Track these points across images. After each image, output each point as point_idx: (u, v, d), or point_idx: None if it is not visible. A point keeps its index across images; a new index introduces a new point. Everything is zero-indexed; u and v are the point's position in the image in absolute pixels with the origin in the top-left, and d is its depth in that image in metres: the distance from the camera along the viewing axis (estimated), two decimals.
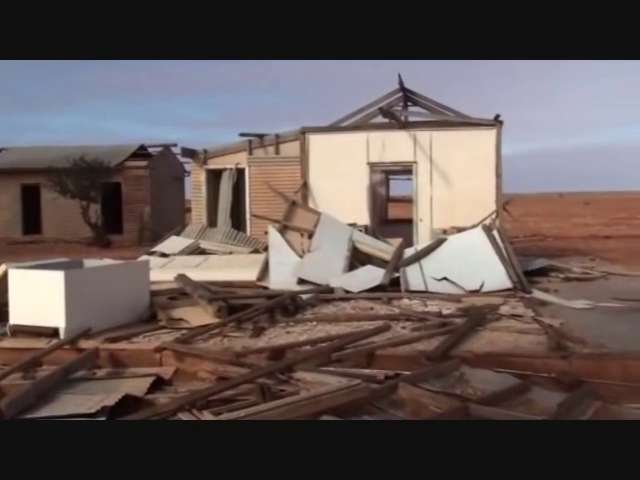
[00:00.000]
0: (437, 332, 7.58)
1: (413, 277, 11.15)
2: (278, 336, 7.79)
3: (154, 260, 13.14)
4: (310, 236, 12.43)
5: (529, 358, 6.60)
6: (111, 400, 5.47)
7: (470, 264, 11.36)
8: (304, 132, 14.85)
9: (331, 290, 10.60)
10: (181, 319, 8.50)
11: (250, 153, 15.73)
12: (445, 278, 11.01)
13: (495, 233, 12.25)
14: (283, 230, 12.71)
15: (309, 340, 7.45)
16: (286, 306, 9.10)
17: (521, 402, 5.50)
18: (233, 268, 12.67)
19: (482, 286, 10.70)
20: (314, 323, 8.45)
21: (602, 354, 6.62)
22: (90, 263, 9.30)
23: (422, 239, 14.07)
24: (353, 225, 13.55)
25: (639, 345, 6.89)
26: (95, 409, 5.29)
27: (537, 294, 10.46)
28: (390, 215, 21.75)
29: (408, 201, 15.73)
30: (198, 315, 8.62)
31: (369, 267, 11.90)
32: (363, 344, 7.12)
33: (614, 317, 8.65)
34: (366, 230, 14.07)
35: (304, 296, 9.90)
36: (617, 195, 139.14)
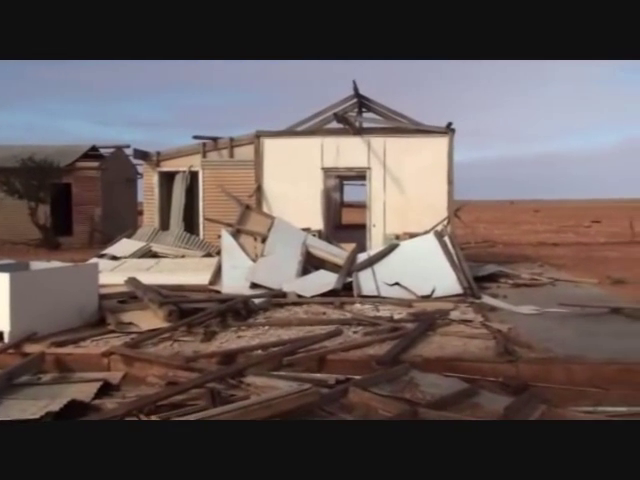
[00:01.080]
0: (388, 337, 7.65)
1: (366, 282, 11.21)
2: (229, 340, 7.74)
3: (104, 263, 12.92)
4: (264, 240, 12.39)
5: (477, 362, 6.71)
6: (56, 405, 5.36)
7: (422, 269, 11.49)
8: (259, 136, 14.83)
9: (284, 294, 10.59)
10: (131, 323, 8.38)
11: (204, 156, 15.60)
12: (397, 283, 11.11)
13: (446, 239, 12.42)
14: (236, 234, 12.64)
15: (261, 344, 7.43)
16: (238, 310, 9.05)
17: (469, 406, 5.58)
18: (185, 272, 12.54)
19: (433, 291, 10.83)
20: (266, 327, 8.43)
21: (548, 358, 6.77)
22: (37, 265, 9.11)
23: (375, 244, 14.19)
24: (307, 230, 13.58)
25: (583, 350, 7.08)
26: (39, 414, 5.17)
27: (487, 299, 10.64)
28: (344, 220, 21.86)
29: (362, 206, 15.84)
30: (148, 319, 8.52)
31: (322, 272, 11.92)
32: (315, 348, 7.14)
33: (560, 322, 8.85)
34: (320, 235, 14.12)
35: (256, 300, 9.87)
36: (566, 203, 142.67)
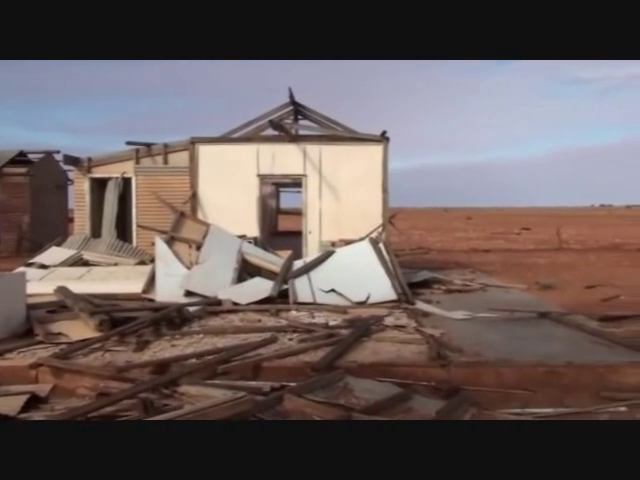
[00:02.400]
0: (323, 343, 7.68)
1: (301, 289, 11.24)
2: (163, 349, 7.63)
3: (33, 272, 12.53)
4: (198, 248, 12.26)
5: (411, 367, 6.82)
6: None
7: (357, 276, 11.60)
8: (193, 142, 14.70)
9: (219, 302, 10.50)
10: (60, 333, 8.15)
11: (137, 162, 15.33)
12: (333, 290, 11.17)
13: (381, 246, 12.57)
14: (171, 241, 12.46)
15: (195, 353, 7.34)
16: (172, 319, 8.93)
17: (402, 410, 5.65)
18: (118, 280, 12.28)
19: (368, 298, 10.94)
20: (201, 336, 8.34)
21: (478, 362, 6.93)
22: None
23: (311, 251, 14.25)
24: (242, 237, 13.51)
25: (512, 353, 7.28)
26: None
27: (420, 305, 10.82)
28: (280, 227, 21.85)
29: (298, 213, 15.87)
30: (78, 329, 8.30)
31: (258, 279, 11.89)
32: (250, 356, 7.11)
33: (490, 327, 9.08)
34: (255, 242, 14.07)
35: (191, 308, 9.76)
36: (497, 211, 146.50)
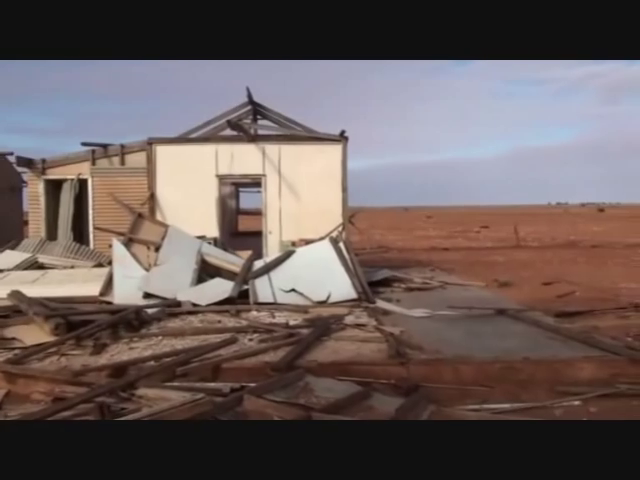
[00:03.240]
0: (283, 343, 7.66)
1: (262, 289, 11.20)
2: (121, 352, 7.52)
3: None
4: (157, 249, 12.11)
5: (370, 366, 6.84)
6: None
7: (317, 276, 11.60)
8: (151, 143, 14.52)
9: (178, 304, 10.40)
10: (14, 338, 7.97)
11: (93, 163, 15.07)
12: (293, 290, 11.16)
13: (342, 245, 12.59)
14: (128, 243, 12.29)
15: (153, 355, 7.25)
16: (130, 321, 8.81)
17: (362, 408, 5.67)
18: (74, 283, 12.05)
19: (329, 297, 10.96)
20: (159, 338, 8.24)
21: (437, 359, 7.00)
22: None
23: (271, 251, 14.20)
24: (202, 238, 13.40)
25: (470, 350, 7.37)
26: None
27: (380, 304, 10.88)
28: (241, 227, 21.74)
29: (258, 213, 15.80)
30: (33, 333, 8.12)
31: (218, 280, 11.80)
32: (209, 357, 7.05)
33: (449, 324, 9.18)
34: (215, 243, 13.97)
35: (150, 310, 9.64)
36: (457, 209, 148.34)
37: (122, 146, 15.10)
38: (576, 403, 6.14)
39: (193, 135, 15.28)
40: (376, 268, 15.80)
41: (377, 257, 21.57)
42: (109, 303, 10.66)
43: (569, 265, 20.12)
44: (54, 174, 15.28)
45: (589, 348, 7.46)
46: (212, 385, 6.29)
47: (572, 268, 19.05)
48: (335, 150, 14.50)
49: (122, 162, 15.03)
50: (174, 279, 11.29)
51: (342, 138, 14.57)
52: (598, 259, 22.00)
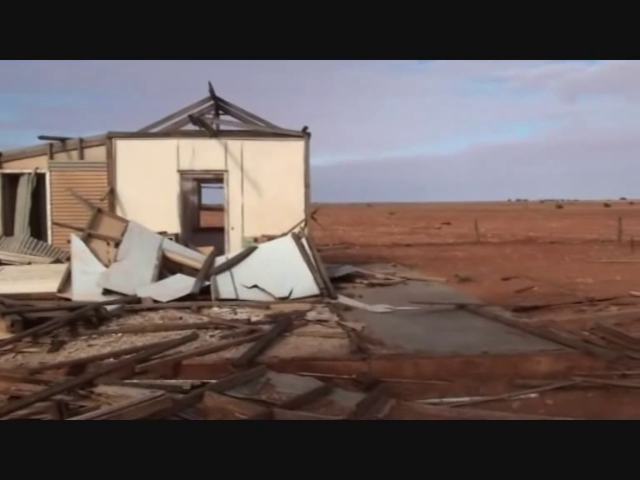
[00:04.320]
0: (245, 339, 7.64)
1: (224, 285, 11.14)
2: (79, 350, 7.40)
3: None
4: (117, 245, 11.96)
5: (332, 361, 6.86)
6: None
7: (280, 271, 11.58)
8: (111, 137, 14.31)
9: (139, 300, 10.29)
10: None
11: (51, 157, 14.77)
12: (255, 286, 11.12)
13: (304, 241, 12.59)
14: (88, 239, 12.10)
15: (113, 352, 7.16)
16: (89, 318, 8.68)
17: (323, 404, 5.69)
18: (31, 279, 11.82)
19: (291, 293, 10.96)
20: (119, 335, 8.14)
21: (398, 354, 7.06)
22: None
23: (234, 247, 14.12)
24: (163, 233, 13.28)
25: (430, 345, 7.45)
26: None
27: (342, 299, 10.91)
28: (203, 223, 21.58)
29: (221, 209, 15.70)
30: None
31: (179, 276, 11.71)
32: (170, 354, 7.00)
33: (410, 319, 9.26)
34: (177, 238, 13.86)
35: (109, 307, 9.52)
36: (419, 206, 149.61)
37: (81, 140, 14.83)
38: (533, 396, 6.26)
39: (154, 130, 15.07)
40: (339, 264, 15.85)
41: (340, 253, 21.64)
42: (67, 300, 10.49)
43: (528, 261, 20.47)
44: (10, 168, 14.94)
45: (546, 342, 7.60)
46: (172, 382, 6.24)
47: (531, 264, 19.39)
48: (298, 146, 14.48)
49: (81, 156, 14.77)
50: (134, 275, 11.17)
51: (305, 134, 14.56)
52: (556, 255, 22.44)
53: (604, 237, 31.24)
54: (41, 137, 14.94)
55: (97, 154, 14.55)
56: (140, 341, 7.77)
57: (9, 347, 7.35)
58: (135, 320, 9.17)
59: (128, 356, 6.93)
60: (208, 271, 11.52)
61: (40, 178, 14.93)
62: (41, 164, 14.81)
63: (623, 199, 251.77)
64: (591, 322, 9.32)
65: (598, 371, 6.89)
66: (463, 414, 5.62)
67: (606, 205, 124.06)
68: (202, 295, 10.77)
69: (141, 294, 10.50)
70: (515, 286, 13.91)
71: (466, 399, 6.13)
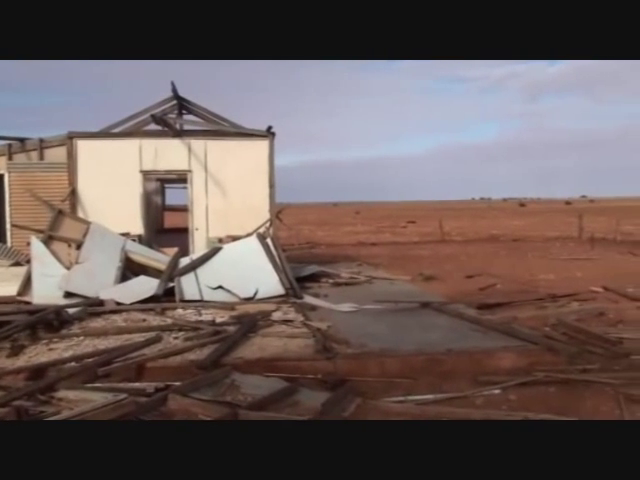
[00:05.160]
0: (210, 341, 7.59)
1: (188, 286, 11.05)
2: (40, 354, 7.28)
3: None
4: (79, 247, 11.76)
5: (297, 361, 6.86)
6: None
7: (245, 272, 11.53)
8: (71, 137, 14.07)
9: (101, 303, 10.16)
10: None
11: (10, 158, 14.46)
12: (220, 287, 11.06)
13: (269, 241, 12.55)
14: (48, 241, 11.88)
15: (74, 356, 7.07)
16: (50, 321, 8.54)
17: (289, 404, 5.68)
18: None
19: (256, 293, 10.92)
20: (81, 338, 8.03)
21: (363, 353, 7.08)
22: None
23: (198, 248, 14.00)
24: (126, 235, 13.10)
25: (395, 343, 7.49)
26: None
27: (308, 299, 10.92)
28: (167, 224, 21.37)
29: (185, 210, 15.55)
30: None
31: (143, 278, 11.58)
32: (133, 357, 6.92)
33: (376, 318, 9.30)
34: (140, 240, 13.69)
35: (71, 310, 9.38)
36: (385, 205, 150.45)
37: (41, 140, 14.55)
38: (496, 392, 6.33)
39: (116, 130, 14.86)
40: (304, 264, 15.85)
41: (305, 253, 21.64)
42: (28, 303, 10.31)
43: (491, 258, 20.71)
44: None
45: (509, 338, 7.70)
46: (136, 385, 6.17)
47: (494, 261, 19.63)
48: (262, 146, 14.41)
49: (41, 157, 14.49)
50: (96, 277, 11.01)
51: (269, 134, 14.50)
52: (518, 252, 22.76)
53: (565, 234, 31.78)
54: None
55: (58, 154, 14.29)
56: (102, 344, 7.66)
57: None
58: (97, 323, 9.04)
59: (90, 360, 6.83)
60: (172, 272, 11.41)
61: None
62: None
63: (584, 197, 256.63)
64: (553, 318, 9.46)
65: (559, 366, 7.00)
66: (427, 412, 5.68)
67: (567, 203, 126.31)
68: (166, 297, 10.68)
69: (103, 296, 10.36)
70: (479, 284, 14.06)
71: (430, 396, 6.17)
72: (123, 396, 5.24)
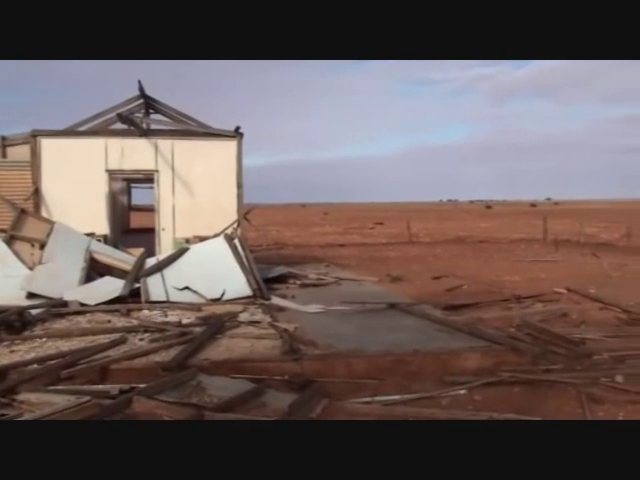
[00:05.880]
0: (176, 342, 7.53)
1: (154, 287, 10.94)
2: (1, 356, 7.16)
3: None
4: (42, 247, 11.58)
5: (264, 362, 6.83)
6: None
7: (212, 273, 11.46)
8: (35, 135, 13.82)
9: (65, 304, 9.99)
10: None
11: None
12: (187, 287, 10.97)
13: (236, 242, 12.50)
14: (11, 241, 11.67)
15: (37, 358, 6.94)
16: (11, 323, 8.37)
17: (256, 406, 5.65)
18: None
19: (223, 294, 10.85)
20: (44, 340, 7.90)
21: (330, 354, 7.08)
22: None
23: (165, 249, 13.86)
24: (91, 235, 12.93)
25: (362, 344, 7.51)
26: None
27: (275, 300, 10.89)
28: (133, 224, 21.15)
29: (151, 210, 15.38)
30: None
31: (108, 278, 11.44)
32: (97, 359, 6.81)
33: (343, 319, 9.31)
34: (105, 240, 13.51)
35: (34, 311, 9.21)
36: (353, 206, 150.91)
37: (3, 138, 14.25)
38: (462, 392, 6.38)
39: (81, 128, 14.64)
40: (272, 265, 15.83)
41: (273, 254, 21.59)
42: None
43: (458, 260, 20.91)
44: None
45: (474, 339, 7.77)
46: (100, 387, 6.09)
47: (460, 263, 19.81)
48: (230, 146, 14.33)
49: (3, 155, 14.21)
50: (60, 278, 10.84)
51: (237, 134, 14.43)
52: (484, 254, 23.01)
53: (530, 236, 32.22)
54: None
55: (21, 153, 14.03)
56: (66, 346, 7.54)
57: None
58: (61, 324, 8.91)
59: (53, 362, 6.72)
60: (138, 273, 11.30)
61: None
62: None
63: (548, 199, 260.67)
64: (517, 319, 9.58)
65: (524, 366, 7.09)
66: (394, 412, 5.70)
67: (532, 205, 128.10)
68: (132, 298, 10.56)
69: (67, 297, 10.20)
70: (445, 285, 14.18)
71: (397, 397, 6.20)
72: (86, 399, 5.17)
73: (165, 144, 14.20)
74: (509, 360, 7.20)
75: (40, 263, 11.17)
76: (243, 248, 12.39)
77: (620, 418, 5.70)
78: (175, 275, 11.42)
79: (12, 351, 7.35)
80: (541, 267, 18.16)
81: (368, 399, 6.14)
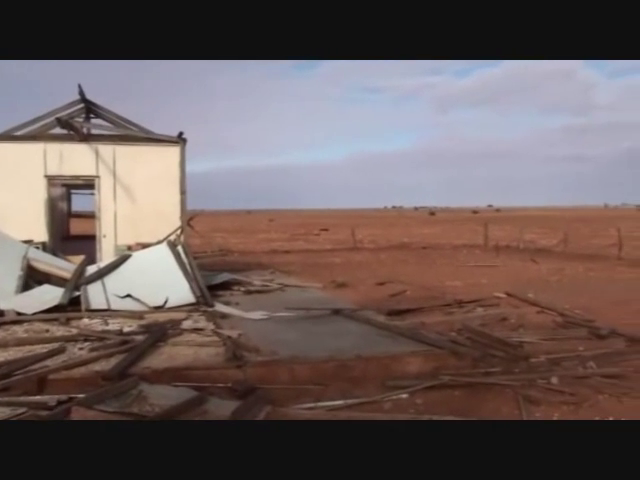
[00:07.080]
0: (117, 351, 7.40)
1: (95, 295, 10.72)
2: None
3: None
4: None
5: (207, 370, 6.79)
6: None
7: (155, 280, 11.32)
8: None
9: (1, 313, 9.69)
10: None
11: None
12: (129, 295, 10.79)
13: (180, 249, 12.38)
14: None
15: None
16: None
17: (198, 414, 5.60)
18: None
19: (166, 302, 10.72)
20: None
21: (273, 361, 7.08)
22: None
23: (106, 256, 13.60)
24: (29, 242, 12.59)
25: (306, 350, 7.53)
26: None
27: (219, 307, 10.81)
28: (73, 231, 20.68)
29: (92, 216, 15.08)
30: None
31: (46, 286, 11.17)
32: (34, 369, 6.64)
33: (287, 325, 9.32)
34: (44, 247, 13.17)
35: None
36: (299, 213, 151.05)
37: None
38: (404, 396, 6.47)
39: (19, 132, 14.28)
40: (216, 271, 15.70)
41: (218, 260, 21.39)
42: None
43: (401, 266, 21.18)
44: None
45: (416, 343, 7.89)
46: (37, 398, 5.92)
47: (404, 268, 20.08)
48: (173, 152, 14.18)
49: None
50: None
51: (180, 140, 14.29)
52: (427, 260, 23.38)
53: (472, 242, 32.87)
54: None
55: None
56: (1, 356, 7.32)
57: None
58: None
59: None
60: (78, 281, 11.06)
61: None
62: None
63: (490, 206, 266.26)
64: (458, 323, 9.78)
65: (464, 370, 7.24)
66: (337, 417, 5.74)
67: (474, 212, 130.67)
68: (72, 306, 10.33)
69: (3, 306, 9.90)
70: (389, 290, 14.34)
71: (340, 402, 6.24)
72: (22, 410, 5.03)
73: (106, 149, 13.95)
74: (450, 364, 7.34)
75: None
76: (186, 255, 12.27)
77: (555, 418, 5.88)
78: (117, 283, 11.22)
79: None
80: (482, 272, 18.56)
81: (312, 405, 6.17)
